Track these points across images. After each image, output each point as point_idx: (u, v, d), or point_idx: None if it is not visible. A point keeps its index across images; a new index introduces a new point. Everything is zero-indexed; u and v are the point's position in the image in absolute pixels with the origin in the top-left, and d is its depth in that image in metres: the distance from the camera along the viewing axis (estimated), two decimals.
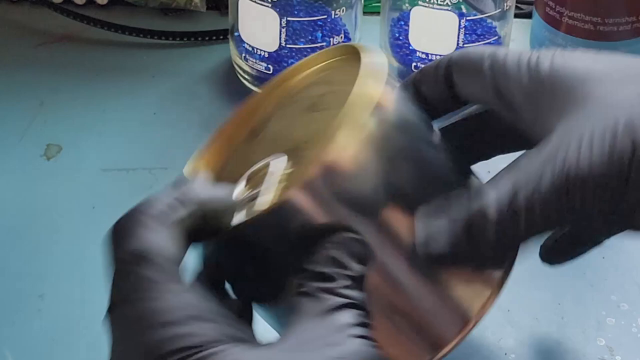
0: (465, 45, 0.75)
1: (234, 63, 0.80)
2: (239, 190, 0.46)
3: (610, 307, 0.62)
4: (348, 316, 0.39)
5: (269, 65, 0.77)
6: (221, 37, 0.84)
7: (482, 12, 0.75)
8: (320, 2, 0.75)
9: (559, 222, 0.42)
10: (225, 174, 0.48)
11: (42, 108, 0.77)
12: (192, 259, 0.44)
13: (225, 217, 0.43)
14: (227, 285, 0.45)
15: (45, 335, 0.60)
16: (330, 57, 0.49)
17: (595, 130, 0.41)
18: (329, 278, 0.40)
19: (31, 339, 0.60)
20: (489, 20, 0.76)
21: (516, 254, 0.45)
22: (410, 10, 0.75)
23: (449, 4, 0.74)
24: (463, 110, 0.50)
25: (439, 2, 0.74)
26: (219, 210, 0.43)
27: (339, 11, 0.76)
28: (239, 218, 0.44)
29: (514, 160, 0.44)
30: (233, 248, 0.43)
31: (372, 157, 0.42)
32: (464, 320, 0.44)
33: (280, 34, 0.75)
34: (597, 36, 0.76)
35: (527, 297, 0.63)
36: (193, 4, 0.86)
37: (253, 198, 0.45)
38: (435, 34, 0.76)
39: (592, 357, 0.59)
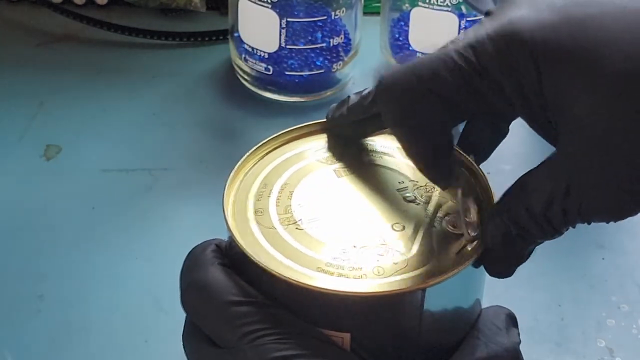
0: None
1: (233, 64, 0.80)
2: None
3: (611, 308, 0.62)
4: None
5: (269, 66, 0.77)
6: (221, 37, 0.84)
7: (482, 13, 0.75)
8: (320, 2, 0.75)
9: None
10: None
11: (41, 108, 0.77)
12: None
13: None
14: None
15: (45, 336, 0.60)
16: None
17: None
18: None
19: (31, 339, 0.60)
20: None
21: None
22: (411, 10, 0.75)
23: (449, 4, 0.74)
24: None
25: (439, 3, 0.74)
26: None
27: (339, 12, 0.76)
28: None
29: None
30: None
31: None
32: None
33: (280, 34, 0.75)
34: None
35: (527, 298, 0.63)
36: (193, 4, 0.86)
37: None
38: (435, 35, 0.75)
39: (592, 358, 0.59)
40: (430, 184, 0.45)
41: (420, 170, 0.44)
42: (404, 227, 0.43)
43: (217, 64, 0.82)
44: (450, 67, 0.42)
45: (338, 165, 0.47)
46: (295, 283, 0.41)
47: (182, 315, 0.45)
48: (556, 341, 0.60)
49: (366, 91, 0.46)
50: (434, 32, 0.75)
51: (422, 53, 0.77)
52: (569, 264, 0.65)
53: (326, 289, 0.40)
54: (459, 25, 0.74)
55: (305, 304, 0.41)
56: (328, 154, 0.47)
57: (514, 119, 0.44)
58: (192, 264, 0.44)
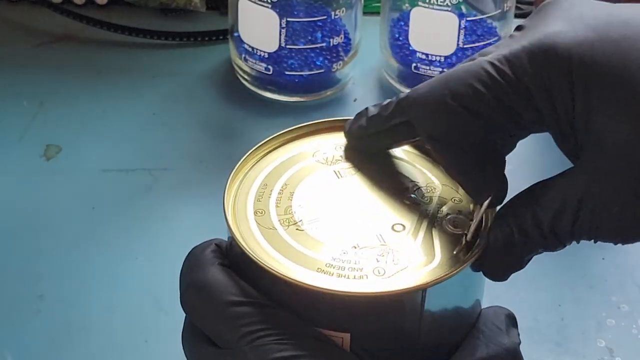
0: (465, 46, 0.75)
1: (233, 63, 0.80)
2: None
3: (611, 308, 0.62)
4: None
5: (269, 66, 0.77)
6: (221, 37, 0.84)
7: (482, 13, 0.75)
8: (320, 2, 0.75)
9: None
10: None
11: (41, 108, 0.77)
12: None
13: None
14: None
15: (45, 336, 0.60)
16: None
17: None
18: None
19: (31, 339, 0.60)
20: (489, 21, 0.76)
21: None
22: (410, 10, 0.75)
23: (449, 4, 0.74)
24: None
25: (439, 3, 0.74)
26: None
27: (339, 11, 0.76)
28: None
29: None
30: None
31: None
32: None
33: (280, 34, 0.75)
34: None
35: (527, 298, 0.63)
36: (193, 4, 0.86)
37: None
38: (435, 35, 0.76)
39: (592, 358, 0.59)
40: (431, 184, 0.45)
41: (459, 183, 0.44)
42: (404, 228, 0.43)
43: (217, 64, 0.82)
44: (483, 80, 0.41)
45: (338, 166, 0.47)
46: (296, 283, 0.41)
47: (182, 315, 0.45)
48: (556, 341, 0.60)
49: (386, 102, 0.45)
50: (434, 32, 0.75)
51: (422, 53, 0.77)
52: (569, 264, 0.65)
53: (326, 289, 0.40)
54: (459, 25, 0.74)
55: (305, 304, 0.41)
56: (328, 155, 0.47)
57: (535, 132, 0.44)
58: (192, 264, 0.44)
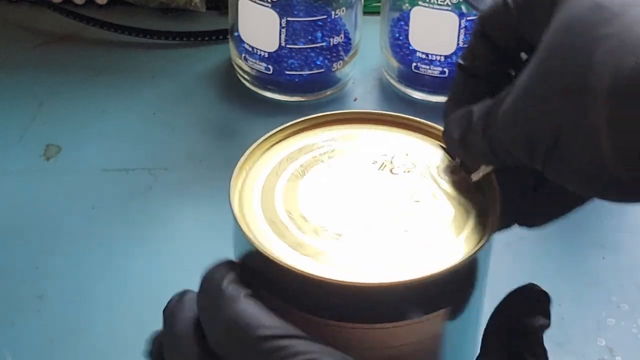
0: (465, 46, 0.75)
1: (233, 63, 0.80)
2: None
3: (611, 307, 0.62)
4: None
5: (269, 66, 0.77)
6: (221, 37, 0.84)
7: (482, 12, 0.75)
8: (320, 2, 0.75)
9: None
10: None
11: (41, 108, 0.77)
12: None
13: None
14: None
15: (45, 336, 0.60)
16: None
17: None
18: None
19: (31, 339, 0.60)
20: None
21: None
22: (410, 10, 0.75)
23: (449, 4, 0.74)
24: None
25: (439, 2, 0.74)
26: None
27: (339, 11, 0.76)
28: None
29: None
30: None
31: None
32: None
33: (280, 34, 0.75)
34: None
35: None
36: (193, 4, 0.86)
37: None
38: (435, 34, 0.76)
39: (592, 357, 0.59)
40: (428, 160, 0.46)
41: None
42: (419, 214, 0.43)
43: (217, 63, 0.82)
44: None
45: (343, 158, 0.46)
46: (324, 280, 0.40)
47: None
48: (556, 341, 0.60)
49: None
50: (434, 31, 0.75)
51: (422, 52, 0.77)
52: (569, 263, 0.65)
53: (364, 284, 0.40)
54: (459, 25, 0.74)
55: (345, 302, 0.40)
56: (334, 147, 0.47)
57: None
58: (216, 296, 0.41)
